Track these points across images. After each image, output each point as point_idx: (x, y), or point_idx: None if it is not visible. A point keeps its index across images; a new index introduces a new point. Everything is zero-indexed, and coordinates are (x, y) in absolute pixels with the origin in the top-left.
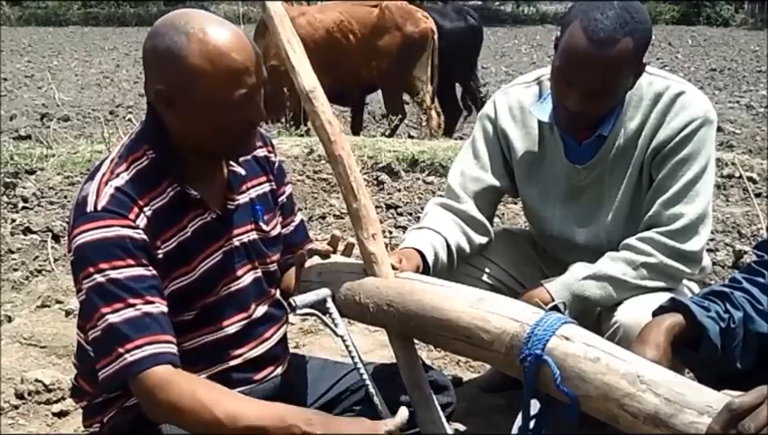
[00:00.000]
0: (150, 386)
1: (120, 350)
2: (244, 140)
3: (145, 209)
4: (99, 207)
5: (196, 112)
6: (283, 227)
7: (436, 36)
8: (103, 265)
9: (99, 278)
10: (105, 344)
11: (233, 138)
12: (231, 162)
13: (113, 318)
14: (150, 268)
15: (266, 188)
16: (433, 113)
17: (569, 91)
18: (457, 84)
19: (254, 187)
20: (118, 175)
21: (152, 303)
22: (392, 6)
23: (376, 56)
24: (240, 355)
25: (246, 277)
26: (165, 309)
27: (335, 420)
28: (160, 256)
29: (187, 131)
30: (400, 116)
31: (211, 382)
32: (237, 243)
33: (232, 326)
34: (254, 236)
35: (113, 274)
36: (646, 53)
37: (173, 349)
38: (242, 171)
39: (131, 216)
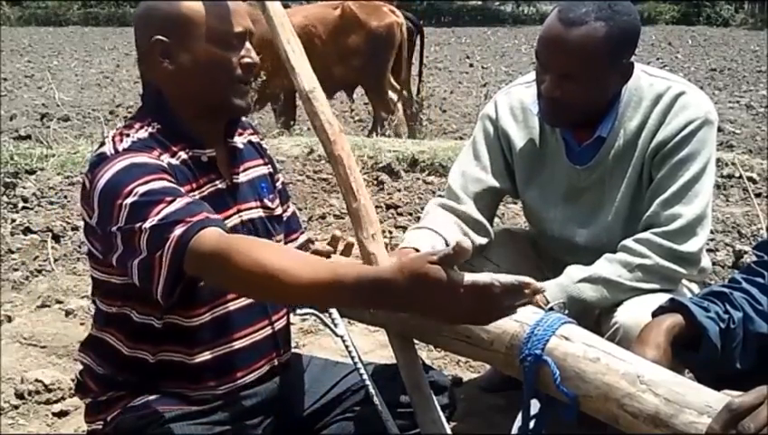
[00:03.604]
0: (208, 252)
1: (168, 236)
2: (240, 87)
3: (164, 157)
4: (120, 149)
5: (192, 57)
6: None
7: (404, 28)
8: (135, 184)
9: (132, 199)
10: (157, 238)
11: (228, 82)
12: (229, 139)
13: (158, 217)
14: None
15: (265, 170)
16: (400, 105)
17: (544, 75)
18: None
19: (253, 167)
20: (129, 135)
21: (194, 199)
22: (354, 5)
23: (346, 55)
24: (244, 336)
25: None
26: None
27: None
28: None
29: (184, 82)
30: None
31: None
32: (246, 217)
33: (232, 303)
34: (260, 213)
35: (146, 187)
36: (630, 51)
37: (220, 219)
38: (241, 146)
39: (154, 154)
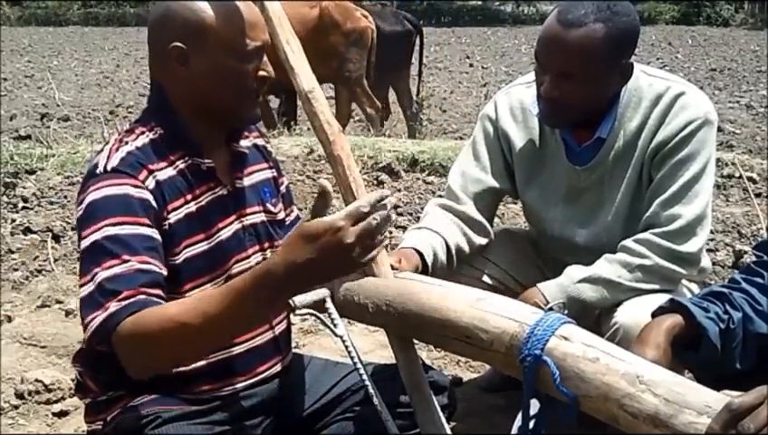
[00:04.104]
0: (126, 335)
1: (107, 303)
2: (253, 98)
3: (156, 173)
4: (109, 168)
5: (210, 66)
6: (285, 216)
7: (374, 35)
8: (105, 222)
9: (98, 235)
10: (96, 299)
11: (242, 93)
12: (233, 143)
13: (106, 274)
14: (155, 231)
15: (269, 174)
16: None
17: (543, 76)
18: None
19: (257, 171)
20: (128, 142)
21: (148, 263)
22: (331, 5)
23: (322, 54)
24: (244, 342)
25: (254, 258)
26: (161, 271)
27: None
28: (171, 221)
29: (197, 90)
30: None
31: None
32: (248, 222)
33: None
34: (263, 217)
35: (113, 230)
36: (629, 51)
37: (155, 298)
38: (246, 151)
39: (141, 176)
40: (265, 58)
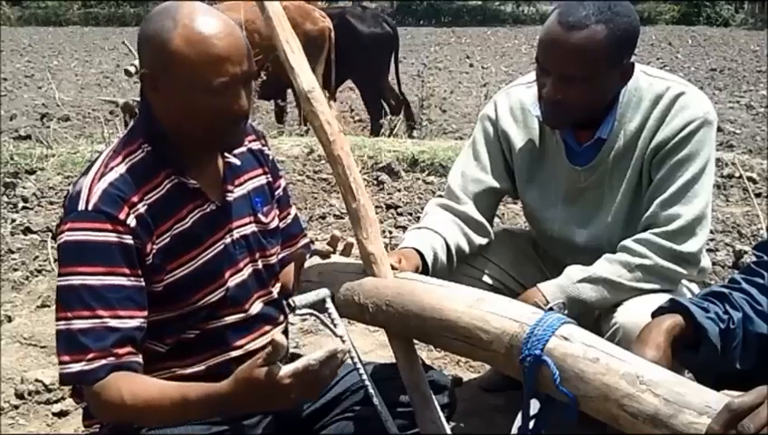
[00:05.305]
0: (94, 394)
1: (79, 356)
2: (227, 131)
3: (138, 205)
4: (90, 206)
5: (176, 97)
6: (280, 220)
7: (332, 34)
8: (82, 269)
9: (75, 281)
10: (66, 344)
11: (215, 128)
12: (226, 153)
13: (78, 324)
14: (132, 277)
15: (263, 180)
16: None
17: (544, 78)
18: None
19: (250, 179)
20: (112, 169)
21: (120, 317)
22: (291, 6)
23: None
24: (241, 346)
25: (246, 269)
26: (133, 323)
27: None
28: (155, 250)
29: (171, 117)
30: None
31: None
32: (237, 235)
33: (229, 317)
34: (253, 228)
35: (90, 280)
36: (630, 52)
37: (127, 359)
38: (237, 162)
39: (122, 215)
40: (241, 90)
